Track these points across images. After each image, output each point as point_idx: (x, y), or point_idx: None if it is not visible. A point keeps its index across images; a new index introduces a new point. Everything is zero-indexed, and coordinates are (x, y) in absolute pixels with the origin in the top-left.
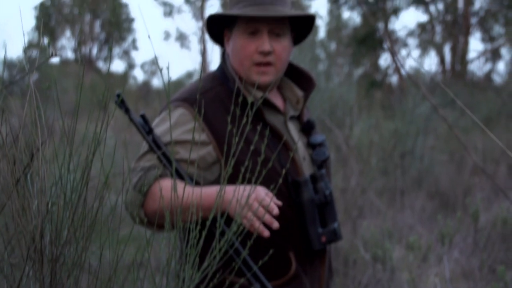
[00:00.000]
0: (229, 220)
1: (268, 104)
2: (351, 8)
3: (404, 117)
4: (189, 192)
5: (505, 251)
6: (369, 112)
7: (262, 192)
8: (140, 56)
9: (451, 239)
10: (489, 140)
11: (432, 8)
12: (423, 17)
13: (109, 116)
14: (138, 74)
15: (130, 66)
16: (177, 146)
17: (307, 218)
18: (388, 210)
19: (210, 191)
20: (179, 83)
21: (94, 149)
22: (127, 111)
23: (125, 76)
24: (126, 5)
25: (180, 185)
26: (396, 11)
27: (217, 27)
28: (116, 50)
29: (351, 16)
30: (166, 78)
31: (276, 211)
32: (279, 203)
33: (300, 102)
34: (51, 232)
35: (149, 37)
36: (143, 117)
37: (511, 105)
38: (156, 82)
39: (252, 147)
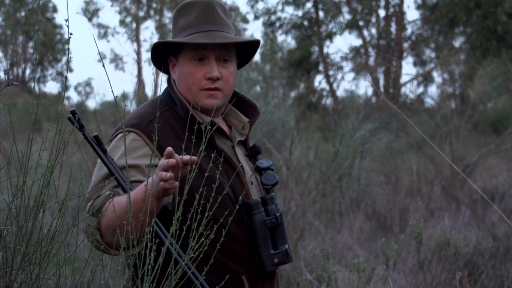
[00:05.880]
0: (185, 245)
1: (217, 129)
2: (286, 32)
3: (342, 140)
4: (124, 200)
5: (448, 273)
6: (307, 135)
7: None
8: (74, 78)
9: (395, 262)
10: (423, 161)
11: (365, 32)
12: (357, 42)
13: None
14: (72, 95)
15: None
16: (132, 170)
17: (260, 240)
18: (327, 231)
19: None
20: (114, 104)
21: (49, 176)
22: (81, 128)
23: (59, 97)
24: (60, 26)
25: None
26: (330, 36)
27: (161, 54)
28: (50, 71)
29: (286, 40)
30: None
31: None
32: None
33: (246, 127)
34: (4, 258)
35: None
36: (96, 138)
37: (444, 127)
38: (91, 103)
39: (206, 174)
